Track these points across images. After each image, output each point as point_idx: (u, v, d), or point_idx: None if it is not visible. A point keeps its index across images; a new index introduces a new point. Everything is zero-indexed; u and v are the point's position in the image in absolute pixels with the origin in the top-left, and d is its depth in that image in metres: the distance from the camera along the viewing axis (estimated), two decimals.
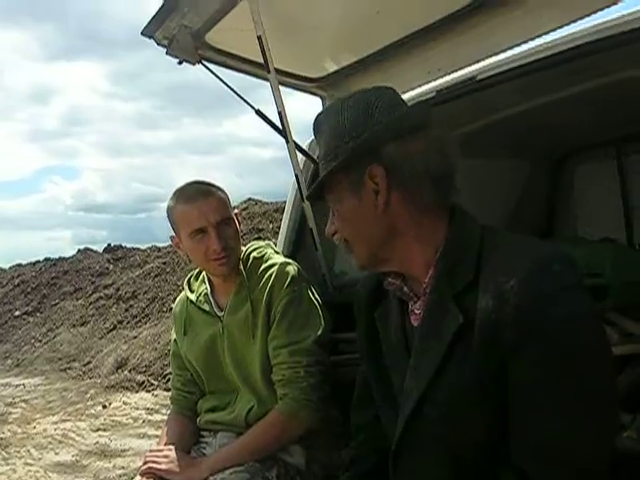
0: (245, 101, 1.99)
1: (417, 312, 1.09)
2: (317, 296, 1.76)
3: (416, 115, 1.06)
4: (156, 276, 9.63)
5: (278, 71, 1.99)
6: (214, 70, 1.95)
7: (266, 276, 1.72)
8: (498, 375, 0.92)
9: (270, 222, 8.84)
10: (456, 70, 1.71)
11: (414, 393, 1.02)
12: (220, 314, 1.78)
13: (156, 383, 6.52)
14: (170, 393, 1.94)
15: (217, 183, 1.73)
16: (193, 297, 1.85)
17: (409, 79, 1.82)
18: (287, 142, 1.91)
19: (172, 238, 1.78)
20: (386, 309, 1.17)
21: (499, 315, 0.91)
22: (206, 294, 1.83)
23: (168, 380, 6.23)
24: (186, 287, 1.91)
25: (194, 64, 1.94)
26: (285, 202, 2.30)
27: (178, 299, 1.97)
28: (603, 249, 1.88)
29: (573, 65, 1.51)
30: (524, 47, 1.60)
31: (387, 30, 1.74)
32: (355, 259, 1.12)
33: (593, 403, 0.89)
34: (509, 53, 1.63)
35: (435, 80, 1.77)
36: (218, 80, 1.94)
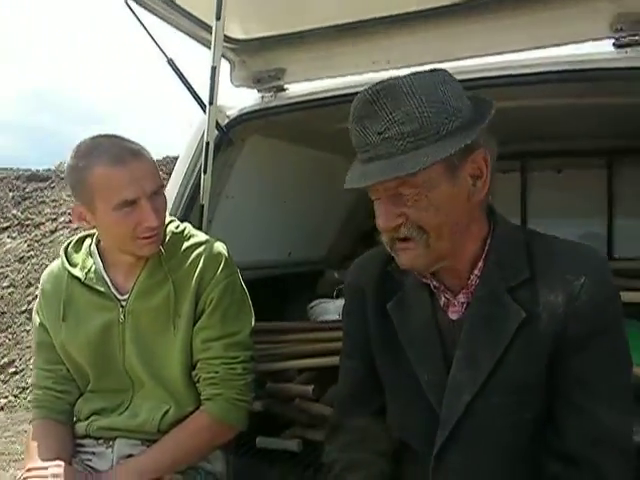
0: (160, 48, 1.69)
1: (456, 305, 1.06)
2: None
3: None
4: None
5: (196, 20, 1.74)
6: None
7: (193, 256, 1.47)
8: (554, 365, 0.98)
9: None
10: (404, 67, 1.71)
11: (469, 385, 1.00)
12: (122, 297, 1.45)
13: None
14: (32, 394, 1.51)
15: None
16: (79, 273, 1.47)
17: (350, 64, 1.76)
18: (209, 105, 1.66)
19: (74, 209, 1.40)
20: (402, 301, 1.10)
21: (567, 310, 0.96)
22: (96, 271, 1.48)
23: None
24: (64, 258, 1.52)
25: None
26: None
27: (48, 273, 1.55)
28: None
29: None
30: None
31: (345, 9, 1.65)
32: (423, 256, 0.99)
33: (631, 395, 1.00)
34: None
35: (378, 72, 1.74)
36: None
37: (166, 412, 1.41)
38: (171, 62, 1.72)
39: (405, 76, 0.95)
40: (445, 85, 0.95)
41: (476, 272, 1.03)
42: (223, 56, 1.92)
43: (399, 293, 1.11)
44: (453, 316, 1.06)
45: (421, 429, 1.07)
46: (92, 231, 1.59)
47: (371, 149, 0.95)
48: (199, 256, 1.46)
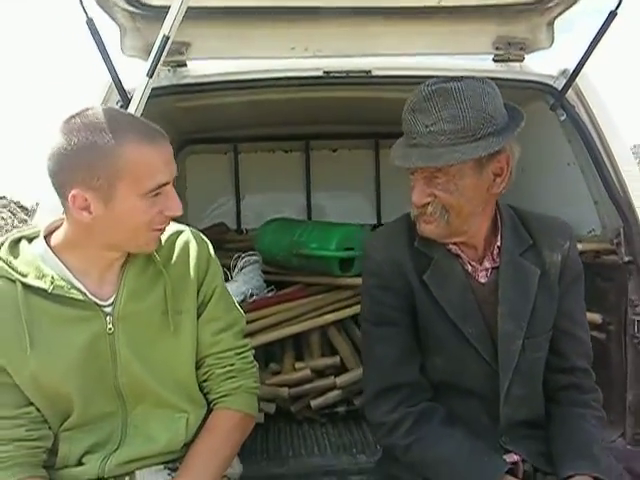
0: (82, 5, 1.38)
1: (483, 271, 1.32)
2: None
3: None
4: None
5: None
6: None
7: (180, 244, 1.31)
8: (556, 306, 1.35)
9: None
10: (323, 57, 1.79)
11: (517, 333, 1.29)
12: (105, 304, 1.22)
13: None
14: None
15: None
16: (42, 283, 1.16)
17: (266, 47, 1.74)
18: (149, 77, 1.45)
19: (76, 197, 1.10)
20: (437, 271, 1.30)
21: (563, 266, 1.33)
22: (63, 279, 1.19)
23: None
24: (8, 269, 1.17)
25: None
26: None
27: None
28: (354, 230, 2.37)
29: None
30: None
31: None
32: (441, 228, 1.24)
33: None
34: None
35: (297, 58, 1.78)
36: None
37: (187, 421, 1.27)
38: (90, 22, 1.42)
39: (459, 82, 1.17)
40: (488, 96, 1.17)
41: (497, 244, 1.31)
42: (113, 19, 1.67)
43: (431, 265, 1.30)
44: (482, 280, 1.32)
45: (476, 373, 1.30)
46: (25, 232, 1.26)
47: (417, 137, 1.17)
48: (187, 244, 1.32)
